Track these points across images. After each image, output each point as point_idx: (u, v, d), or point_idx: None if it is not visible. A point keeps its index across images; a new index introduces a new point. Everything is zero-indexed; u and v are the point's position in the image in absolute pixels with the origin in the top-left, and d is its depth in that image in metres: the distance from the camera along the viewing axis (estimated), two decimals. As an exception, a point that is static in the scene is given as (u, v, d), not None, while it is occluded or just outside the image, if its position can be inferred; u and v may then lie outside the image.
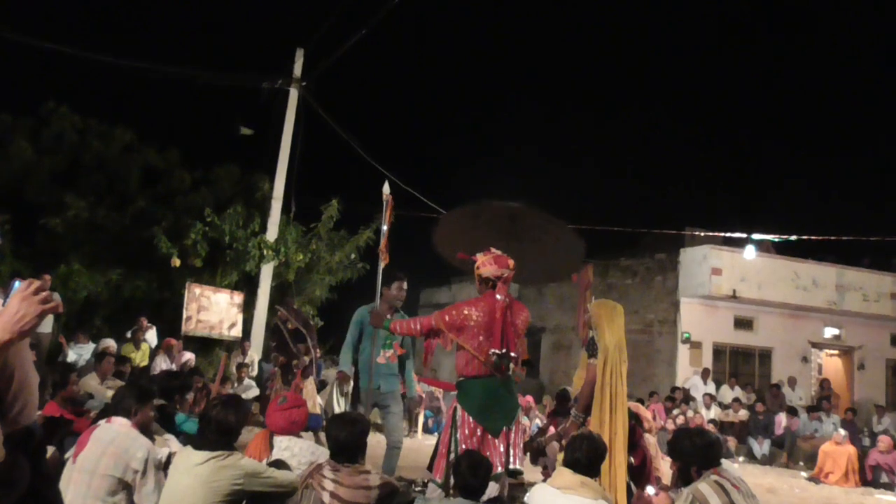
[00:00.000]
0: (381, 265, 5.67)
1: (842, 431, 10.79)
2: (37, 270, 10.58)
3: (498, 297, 4.55)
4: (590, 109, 45.20)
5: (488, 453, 4.31)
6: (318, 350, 9.25)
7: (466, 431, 4.40)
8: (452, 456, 4.33)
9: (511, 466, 4.46)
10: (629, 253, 18.51)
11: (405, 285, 5.82)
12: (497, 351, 4.43)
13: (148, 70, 13.02)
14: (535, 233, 5.38)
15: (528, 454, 7.41)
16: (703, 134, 43.28)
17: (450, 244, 5.54)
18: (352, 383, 5.67)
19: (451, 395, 5.29)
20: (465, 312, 4.49)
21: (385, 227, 5.78)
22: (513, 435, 4.55)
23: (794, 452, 11.97)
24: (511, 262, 4.68)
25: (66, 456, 3.69)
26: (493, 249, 4.75)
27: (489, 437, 4.41)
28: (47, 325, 9.83)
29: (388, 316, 5.53)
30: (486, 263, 4.66)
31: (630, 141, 43.80)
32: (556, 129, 44.56)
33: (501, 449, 4.44)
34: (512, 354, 4.53)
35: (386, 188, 5.83)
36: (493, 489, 4.34)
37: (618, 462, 4.66)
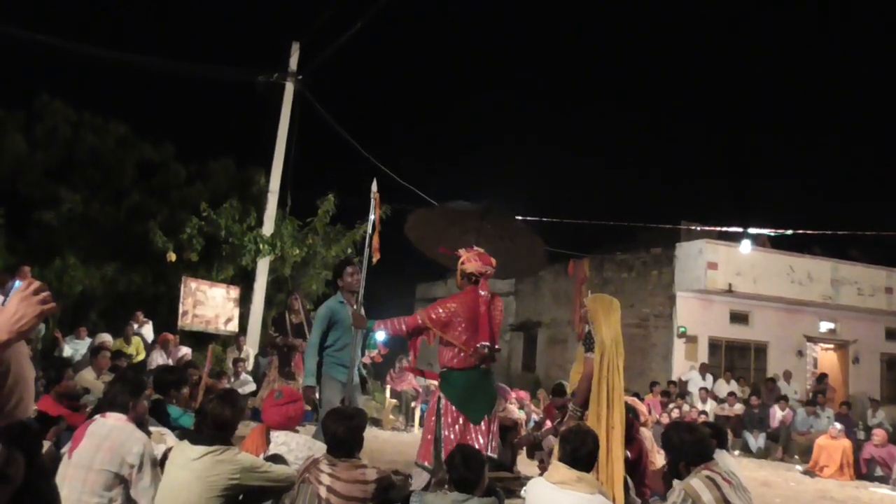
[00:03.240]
0: (374, 261, 5.75)
1: (837, 425, 10.82)
2: (31, 265, 10.52)
3: (481, 292, 4.78)
4: (586, 104, 45.19)
5: (470, 440, 4.57)
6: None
7: (449, 419, 4.66)
8: (441, 444, 4.59)
9: (491, 454, 4.67)
10: (625, 247, 18.53)
11: (356, 269, 5.75)
12: (486, 343, 4.67)
13: (142, 63, 12.96)
14: (502, 233, 5.63)
15: (525, 448, 7.45)
16: (700, 128, 43.33)
17: (424, 239, 5.82)
18: (316, 395, 5.63)
19: None
20: (452, 309, 4.70)
21: (373, 226, 5.86)
22: (492, 424, 4.81)
23: (789, 446, 12.01)
24: (493, 261, 4.95)
25: (62, 451, 3.67)
26: (475, 248, 5.00)
27: (471, 425, 4.66)
28: None
29: (353, 305, 5.57)
30: (471, 259, 4.90)
31: (626, 135, 43.84)
32: (554, 124, 44.58)
33: (482, 438, 4.67)
34: (497, 347, 4.79)
35: (374, 186, 5.91)
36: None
37: (615, 456, 4.66)
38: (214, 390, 5.21)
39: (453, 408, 4.66)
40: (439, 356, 4.81)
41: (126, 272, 13.51)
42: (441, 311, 4.69)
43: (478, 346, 4.64)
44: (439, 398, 4.76)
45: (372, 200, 5.88)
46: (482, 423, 4.70)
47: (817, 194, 33.41)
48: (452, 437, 4.60)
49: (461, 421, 4.64)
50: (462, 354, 4.67)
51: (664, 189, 39.39)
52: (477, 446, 4.54)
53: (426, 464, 4.69)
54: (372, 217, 5.79)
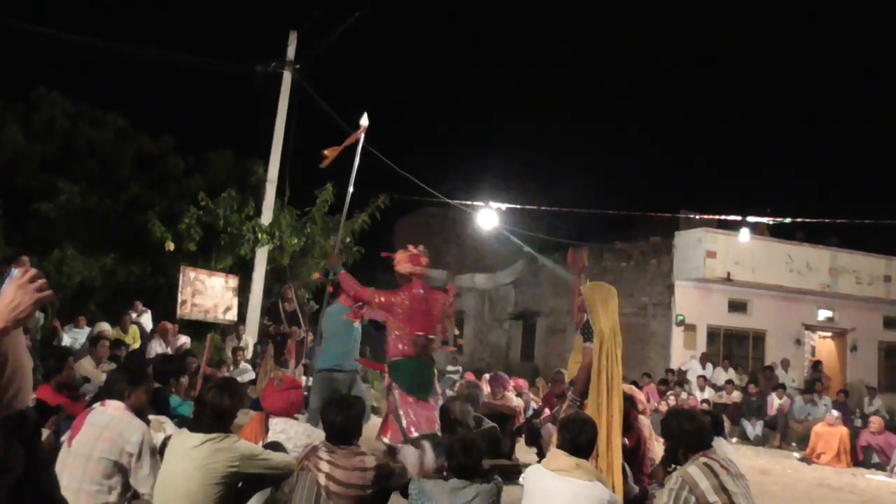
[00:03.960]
0: (322, 165, 6.55)
1: (834, 413, 10.85)
2: (30, 256, 10.52)
3: (415, 290, 5.37)
4: (587, 95, 45.10)
5: (426, 413, 5.16)
6: (311, 334, 9.27)
7: (403, 401, 5.19)
8: (405, 422, 5.11)
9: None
10: (624, 236, 18.53)
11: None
12: (419, 334, 5.26)
13: (140, 55, 12.89)
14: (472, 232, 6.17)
15: (524, 436, 7.49)
16: (699, 117, 43.26)
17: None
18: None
19: None
20: (393, 300, 5.32)
21: (345, 144, 6.48)
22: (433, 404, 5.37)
23: (786, 434, 12.05)
24: (424, 260, 5.50)
25: (62, 440, 3.68)
26: (410, 248, 5.52)
27: (421, 402, 5.22)
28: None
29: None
30: (402, 261, 5.47)
31: (625, 124, 43.75)
32: (554, 114, 44.48)
33: (434, 412, 5.25)
34: (430, 337, 5.36)
35: (364, 119, 6.50)
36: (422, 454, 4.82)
37: (615, 444, 4.68)
38: (213, 379, 5.22)
39: (403, 392, 5.20)
40: (387, 348, 5.37)
41: (125, 263, 13.50)
42: (385, 298, 5.30)
43: (416, 335, 5.22)
44: (391, 385, 5.30)
45: (361, 130, 6.41)
46: (430, 400, 5.27)
47: (816, 184, 33.38)
48: (413, 413, 5.11)
49: (411, 401, 5.17)
50: (403, 344, 5.23)
51: (663, 178, 39.39)
52: (433, 420, 5.13)
53: (385, 440, 5.22)
54: (351, 138, 6.18)
